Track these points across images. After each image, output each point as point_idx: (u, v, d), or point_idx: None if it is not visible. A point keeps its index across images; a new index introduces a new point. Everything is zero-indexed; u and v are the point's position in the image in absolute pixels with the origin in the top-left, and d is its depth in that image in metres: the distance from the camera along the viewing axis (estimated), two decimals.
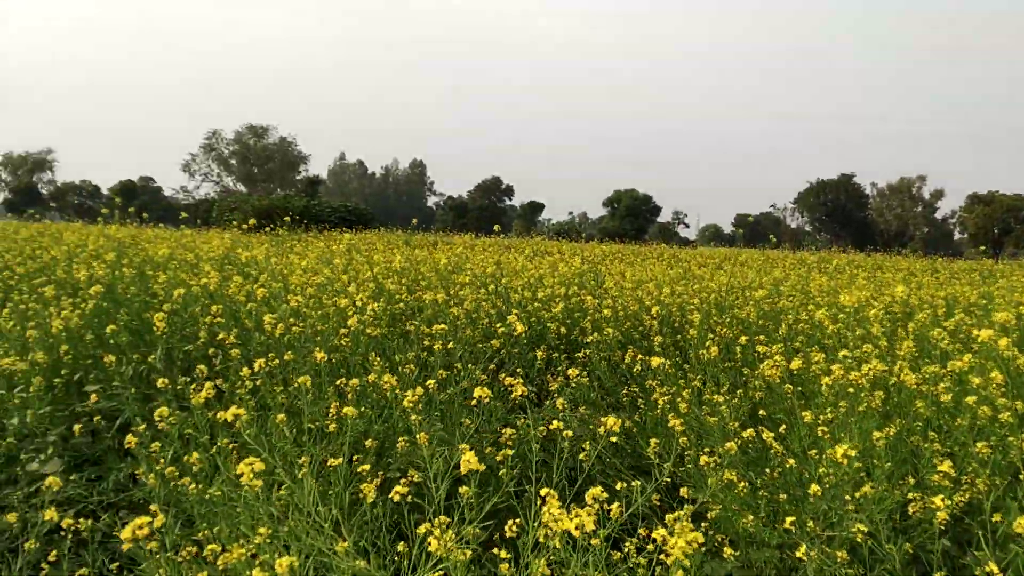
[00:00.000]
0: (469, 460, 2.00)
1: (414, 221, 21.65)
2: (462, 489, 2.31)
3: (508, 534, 2.37)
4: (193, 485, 3.24)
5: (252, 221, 12.27)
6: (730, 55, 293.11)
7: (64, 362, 5.63)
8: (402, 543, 2.92)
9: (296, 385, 4.64)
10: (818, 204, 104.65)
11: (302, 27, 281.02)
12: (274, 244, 13.58)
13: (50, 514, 2.93)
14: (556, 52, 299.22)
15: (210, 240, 12.44)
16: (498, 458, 2.70)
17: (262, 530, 2.25)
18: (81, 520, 3.35)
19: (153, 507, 3.84)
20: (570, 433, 2.74)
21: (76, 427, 4.74)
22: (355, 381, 3.86)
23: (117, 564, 3.81)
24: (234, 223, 34.60)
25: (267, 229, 15.72)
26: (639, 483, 2.80)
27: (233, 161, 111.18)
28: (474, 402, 3.35)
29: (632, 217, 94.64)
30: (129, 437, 3.68)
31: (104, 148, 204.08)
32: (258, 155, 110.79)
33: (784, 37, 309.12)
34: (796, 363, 4.90)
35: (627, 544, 3.38)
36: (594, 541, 2.32)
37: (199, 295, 6.14)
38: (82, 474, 5.16)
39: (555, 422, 2.71)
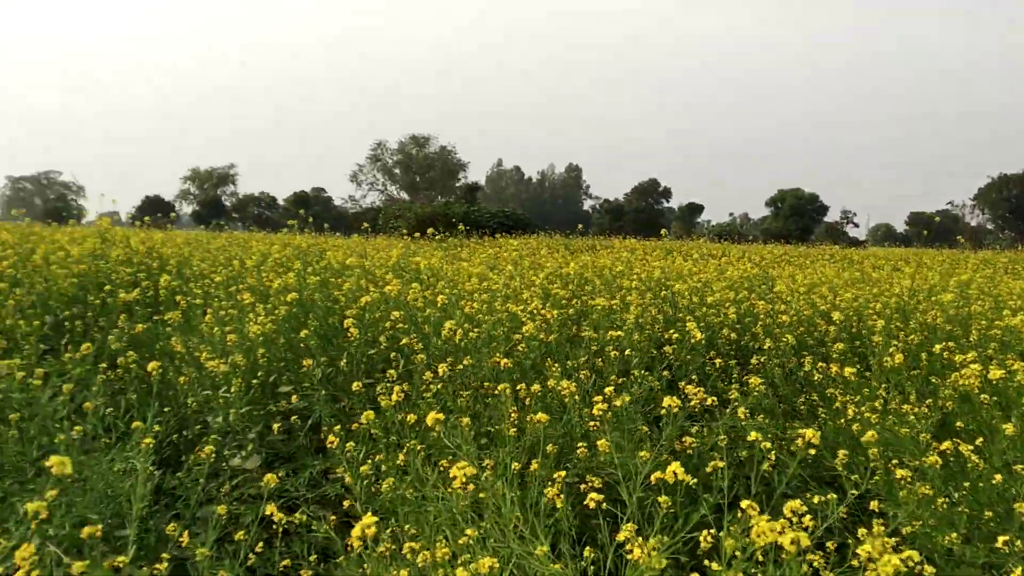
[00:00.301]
0: (676, 471, 2.00)
1: (579, 227, 21.77)
2: (661, 499, 2.33)
3: (704, 545, 2.36)
4: (386, 484, 3.40)
5: (404, 229, 12.73)
6: (906, 45, 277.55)
7: (260, 365, 6.03)
8: (588, 548, 2.96)
9: (472, 389, 4.79)
10: (1001, 200, 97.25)
11: (460, 37, 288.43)
12: (441, 250, 14.02)
13: (271, 508, 3.17)
14: (701, 47, 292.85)
15: (384, 248, 12.99)
16: (708, 469, 2.69)
17: (469, 531, 2.35)
18: (295, 515, 3.58)
19: (346, 503, 4.08)
20: (768, 444, 2.69)
21: (275, 426, 5.07)
22: (536, 387, 3.94)
23: (315, 556, 4.05)
24: (400, 230, 35.91)
25: (432, 235, 16.24)
26: (834, 496, 2.72)
27: (397, 170, 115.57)
28: (655, 409, 3.35)
29: (797, 217, 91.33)
30: (331, 438, 3.91)
31: (280, 161, 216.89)
32: (420, 164, 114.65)
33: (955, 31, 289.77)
34: (997, 372, 4.59)
35: (815, 559, 3.28)
36: (787, 554, 2.27)
37: (379, 301, 6.43)
38: (276, 470, 5.52)
39: (753, 433, 2.67)
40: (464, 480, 2.18)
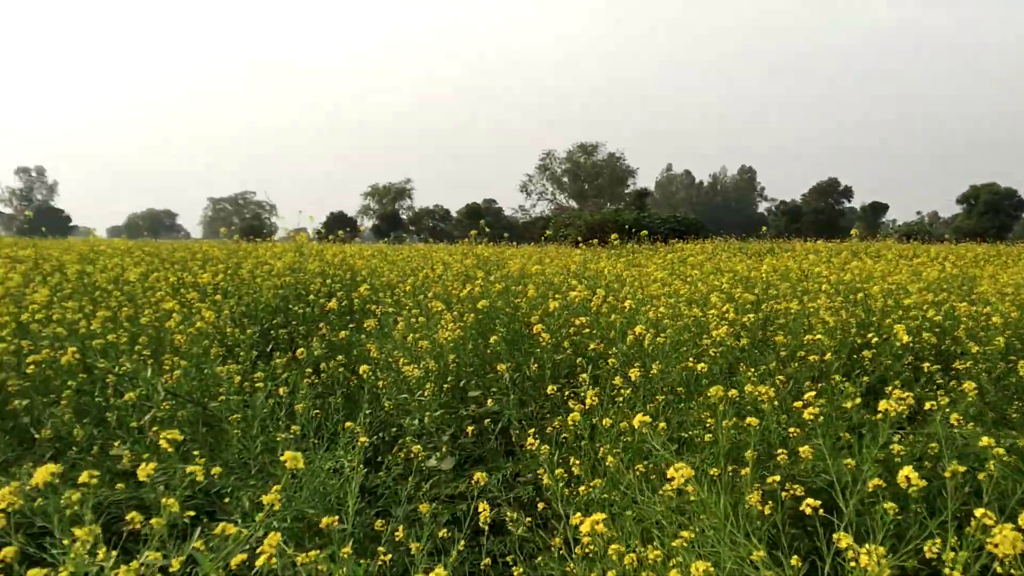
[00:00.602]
0: (909, 476, 1.92)
1: (763, 229, 21.17)
2: (887, 506, 2.22)
3: (928, 555, 2.24)
4: (593, 484, 3.44)
5: (574, 237, 12.77)
6: None
7: (450, 370, 6.25)
8: (795, 557, 2.87)
9: (663, 394, 4.75)
10: None
11: (623, 42, 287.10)
12: (615, 257, 14.00)
13: (483, 507, 3.28)
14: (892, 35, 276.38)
15: (557, 256, 13.14)
16: (946, 474, 2.55)
17: (685, 533, 2.34)
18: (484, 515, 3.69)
19: (539, 505, 4.15)
20: (1002, 451, 2.52)
21: (469, 428, 5.24)
22: (734, 392, 3.87)
23: (511, 556, 4.14)
24: (570, 238, 36.12)
25: (605, 243, 16.21)
26: None
27: (565, 179, 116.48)
28: (854, 415, 3.21)
29: (992, 214, 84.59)
30: (529, 440, 4.00)
31: (451, 174, 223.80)
32: (588, 172, 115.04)
33: None
34: None
35: None
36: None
37: (561, 308, 6.50)
38: (468, 472, 5.70)
39: (985, 438, 2.51)
40: (683, 481, 2.17)
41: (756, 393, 4.15)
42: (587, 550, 3.00)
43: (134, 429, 4.80)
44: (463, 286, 7.94)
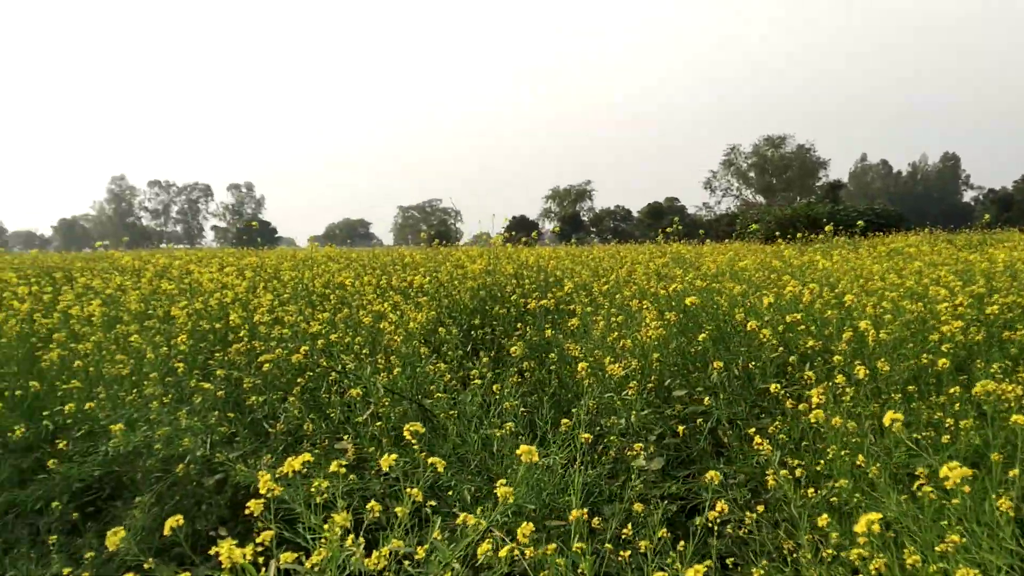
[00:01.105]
0: None
1: (985, 218, 19.57)
2: None
3: None
4: (838, 484, 3.27)
5: (761, 234, 12.26)
6: None
7: (653, 369, 6.17)
8: None
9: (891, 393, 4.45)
10: None
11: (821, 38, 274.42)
12: (818, 251, 13.36)
13: (722, 506, 3.21)
14: None
15: (759, 251, 12.71)
16: None
17: (953, 537, 2.17)
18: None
19: (759, 508, 4.00)
20: None
21: (680, 428, 5.14)
22: (978, 388, 3.55)
23: (732, 559, 4.01)
24: (758, 235, 34.91)
25: (798, 238, 15.50)
26: None
27: (751, 174, 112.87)
28: None
29: None
30: (757, 439, 3.87)
31: (633, 173, 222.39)
32: (775, 165, 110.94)
33: None
34: None
35: None
36: None
37: (770, 304, 6.26)
38: (677, 473, 5.59)
39: None
40: (957, 482, 2.01)
41: (999, 391, 3.80)
42: (826, 554, 2.85)
43: (358, 424, 5.05)
44: (661, 284, 7.83)
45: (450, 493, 4.32)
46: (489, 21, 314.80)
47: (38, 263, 13.50)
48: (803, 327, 5.65)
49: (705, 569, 2.24)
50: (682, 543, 4.00)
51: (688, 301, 6.12)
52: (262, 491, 2.67)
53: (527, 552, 2.82)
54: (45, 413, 5.06)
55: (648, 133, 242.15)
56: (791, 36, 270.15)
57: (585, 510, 3.13)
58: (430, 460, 2.69)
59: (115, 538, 2.51)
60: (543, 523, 4.26)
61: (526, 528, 2.37)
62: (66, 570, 3.97)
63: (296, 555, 2.57)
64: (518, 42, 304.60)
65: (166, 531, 2.69)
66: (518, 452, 2.62)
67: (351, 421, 5.37)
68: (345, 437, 4.95)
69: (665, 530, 4.05)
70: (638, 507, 4.17)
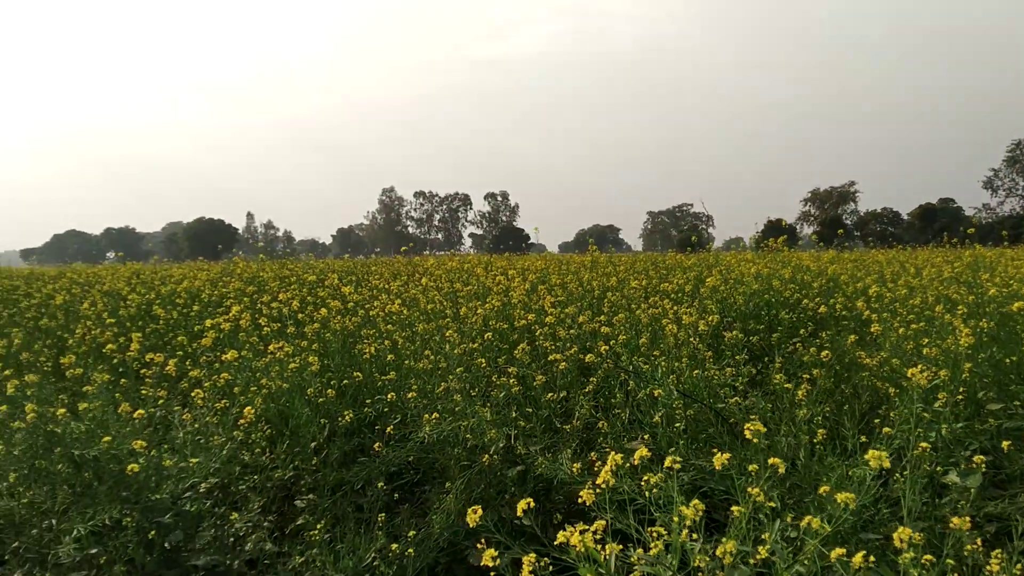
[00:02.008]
0: None
1: None
2: None
3: None
4: None
5: None
6: None
7: (964, 380, 5.69)
8: None
9: None
10: None
11: None
12: None
13: None
14: None
15: None
16: None
17: None
18: None
19: None
20: None
21: (1005, 444, 4.70)
22: None
23: None
24: None
25: None
26: None
27: None
28: None
29: None
30: None
31: (902, 173, 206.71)
32: None
33: None
34: None
35: None
36: None
37: None
38: (993, 493, 5.12)
39: None
40: None
41: None
42: None
43: (650, 423, 5.09)
44: (966, 290, 7.21)
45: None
46: (761, 19, 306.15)
47: (347, 268, 14.88)
48: None
49: None
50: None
51: (1016, 307, 5.57)
52: (600, 481, 2.77)
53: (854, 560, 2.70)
54: (368, 401, 5.57)
55: (915, 128, 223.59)
56: None
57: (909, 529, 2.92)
58: (770, 461, 2.65)
59: (475, 516, 2.70)
60: (857, 536, 4.06)
61: (904, 532, 2.26)
62: (394, 545, 4.34)
63: (619, 548, 2.63)
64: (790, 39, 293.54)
65: (470, 522, 2.86)
66: (867, 456, 2.50)
67: (640, 421, 5.42)
68: (643, 436, 5.00)
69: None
70: (956, 521, 3.85)
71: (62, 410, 4.56)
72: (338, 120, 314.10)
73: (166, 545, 4.52)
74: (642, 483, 2.86)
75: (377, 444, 5.13)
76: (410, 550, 4.32)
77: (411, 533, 4.50)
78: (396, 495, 5.21)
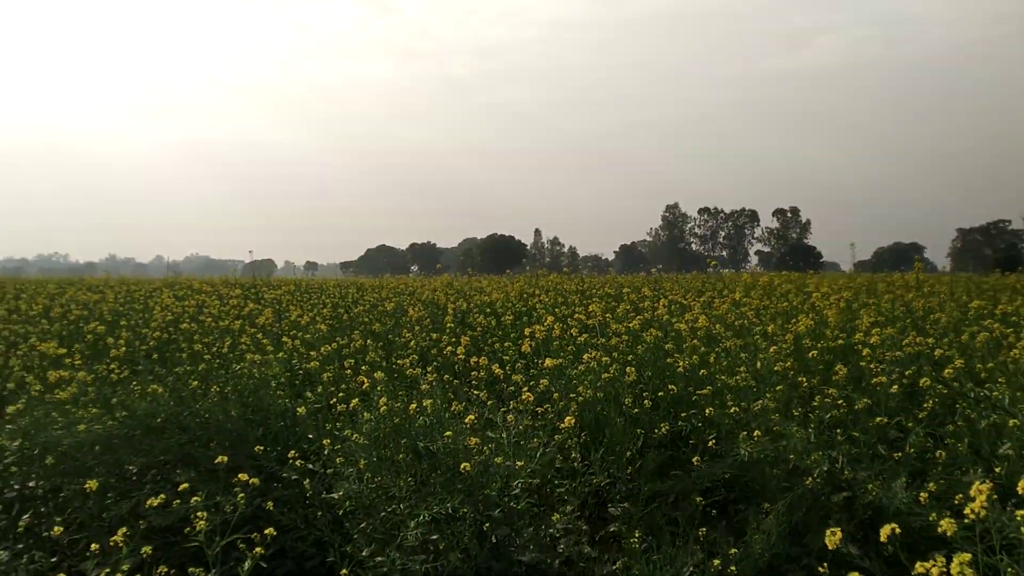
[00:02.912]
0: None
1: None
2: None
3: None
4: None
5: None
6: None
7: None
8: None
9: None
10: None
11: None
12: None
13: None
14: None
15: None
16: None
17: None
18: None
19: None
20: None
21: None
22: None
23: None
24: None
25: None
26: None
27: None
28: None
29: None
30: None
31: None
32: None
33: None
34: None
35: None
36: None
37: None
38: None
39: None
40: None
41: None
42: None
43: (1002, 456, 4.63)
44: None
45: None
46: None
47: (637, 283, 15.08)
48: None
49: None
50: None
51: None
52: (969, 510, 2.57)
53: None
54: (683, 415, 5.58)
55: None
56: None
57: None
58: None
59: (834, 538, 2.61)
60: None
61: None
62: (715, 560, 4.29)
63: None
64: None
65: (829, 544, 2.74)
66: None
67: (979, 452, 4.94)
68: (973, 470, 4.56)
69: None
70: None
71: (413, 405, 5.00)
72: (624, 135, 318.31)
73: (493, 539, 4.80)
74: (1018, 516, 2.61)
75: (695, 458, 5.11)
76: (732, 567, 4.26)
77: (731, 551, 4.43)
78: (713, 511, 5.15)
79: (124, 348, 7.49)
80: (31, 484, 5.52)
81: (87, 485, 4.83)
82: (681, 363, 6.04)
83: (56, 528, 4.62)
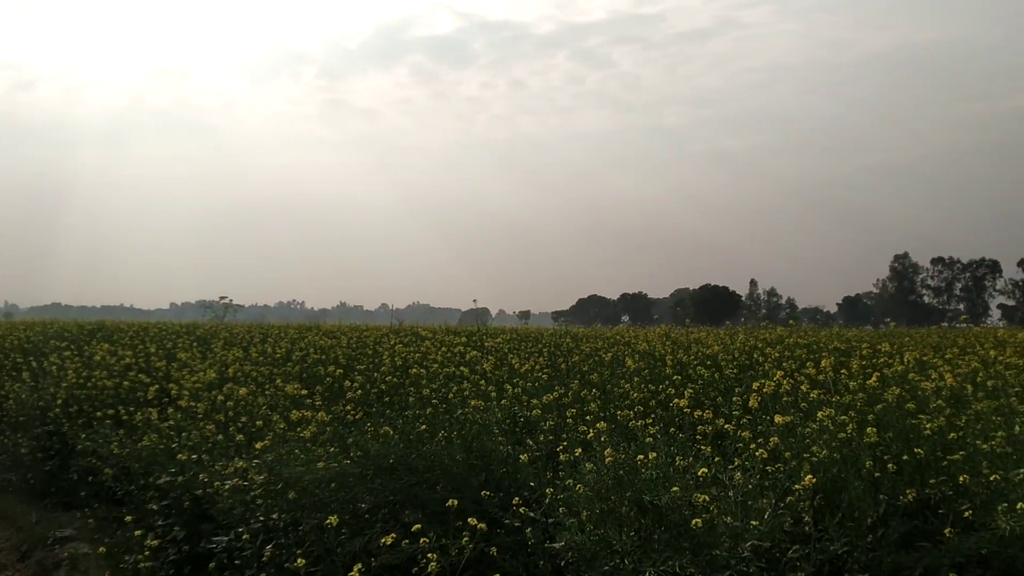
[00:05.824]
0: None
1: None
2: None
3: None
4: None
5: None
6: None
7: None
8: None
9: None
10: None
11: None
12: None
13: None
14: None
15: None
16: None
17: None
18: None
19: None
20: None
21: None
22: None
23: None
24: None
25: None
26: None
27: None
28: None
29: None
30: None
31: None
32: None
33: None
34: None
35: None
36: None
37: None
38: None
39: None
40: None
41: None
42: None
43: None
44: None
45: None
46: None
47: (867, 338, 14.20)
48: None
49: None
50: None
51: None
52: None
53: None
54: (932, 481, 5.14)
55: None
56: None
57: None
58: None
59: None
60: None
61: None
62: None
63: None
64: None
65: None
66: None
67: None
68: None
69: None
70: None
71: (640, 456, 4.94)
72: (846, 182, 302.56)
73: None
74: None
75: (947, 529, 4.68)
76: None
77: None
78: None
79: (359, 391, 7.93)
80: (274, 516, 5.92)
81: (328, 521, 5.14)
82: (928, 425, 5.57)
83: (299, 560, 4.93)
